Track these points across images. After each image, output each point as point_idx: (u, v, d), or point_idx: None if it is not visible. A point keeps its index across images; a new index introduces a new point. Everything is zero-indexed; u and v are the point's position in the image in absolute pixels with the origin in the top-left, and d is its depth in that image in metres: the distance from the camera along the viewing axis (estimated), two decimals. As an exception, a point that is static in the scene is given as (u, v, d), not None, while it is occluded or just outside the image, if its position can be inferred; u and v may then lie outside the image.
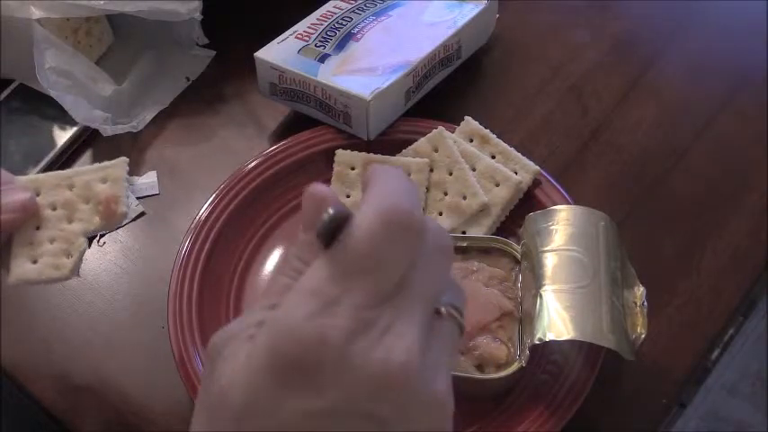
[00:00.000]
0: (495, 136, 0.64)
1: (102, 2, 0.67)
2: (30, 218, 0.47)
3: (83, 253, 0.48)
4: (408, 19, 0.70)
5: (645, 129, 0.70)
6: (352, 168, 0.63)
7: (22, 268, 0.46)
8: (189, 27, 0.71)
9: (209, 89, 0.73)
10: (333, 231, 0.30)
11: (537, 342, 0.49)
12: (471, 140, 0.64)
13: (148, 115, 0.70)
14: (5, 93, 0.71)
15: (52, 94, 0.65)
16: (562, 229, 0.54)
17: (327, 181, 0.62)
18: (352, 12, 0.70)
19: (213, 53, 0.74)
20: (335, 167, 0.63)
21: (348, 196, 0.62)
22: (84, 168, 0.50)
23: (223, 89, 0.74)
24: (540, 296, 0.51)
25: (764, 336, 1.35)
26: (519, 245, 0.56)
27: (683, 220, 0.64)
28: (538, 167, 0.62)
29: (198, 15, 0.70)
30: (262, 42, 0.68)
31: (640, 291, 0.53)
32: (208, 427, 0.31)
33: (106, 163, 0.50)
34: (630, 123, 0.70)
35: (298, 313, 0.29)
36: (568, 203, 0.60)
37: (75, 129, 0.69)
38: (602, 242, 0.53)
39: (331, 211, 0.30)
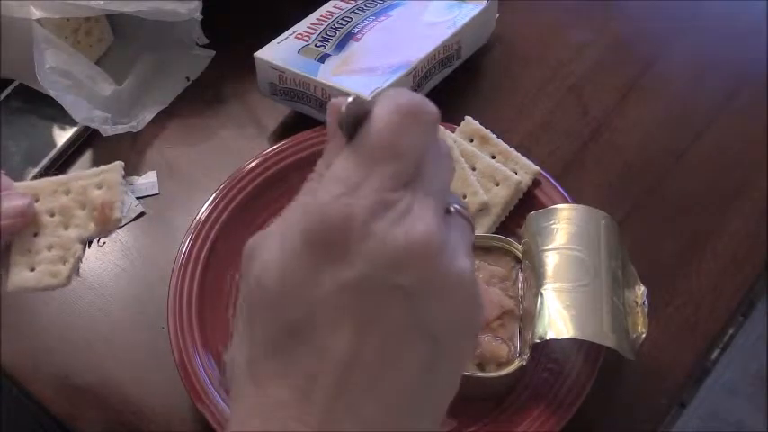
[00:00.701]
0: (495, 136, 0.64)
1: (102, 2, 0.67)
2: (28, 224, 0.47)
3: (78, 260, 0.48)
4: (408, 19, 0.70)
5: (645, 129, 0.70)
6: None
7: (20, 276, 0.47)
8: (189, 27, 0.71)
9: (209, 89, 0.73)
10: (354, 122, 0.32)
11: (537, 341, 0.49)
12: (471, 140, 0.64)
13: (148, 115, 0.70)
14: (5, 93, 0.71)
15: (52, 94, 0.65)
16: (563, 228, 0.54)
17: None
18: (352, 12, 0.70)
19: (213, 53, 0.74)
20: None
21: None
22: (81, 173, 0.50)
23: (223, 89, 0.74)
24: (541, 295, 0.51)
25: (764, 336, 1.35)
26: (520, 244, 0.57)
27: (683, 220, 0.64)
28: (538, 167, 0.62)
29: (198, 15, 0.70)
30: (262, 42, 0.68)
31: (641, 290, 0.53)
32: (248, 321, 0.32)
33: (102, 167, 0.50)
34: (630, 123, 0.70)
35: (325, 196, 0.30)
36: (568, 203, 0.60)
37: (74, 129, 0.69)
38: (603, 241, 0.53)
39: (350, 99, 0.32)
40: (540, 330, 0.50)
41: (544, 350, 0.53)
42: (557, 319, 0.50)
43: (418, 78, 0.67)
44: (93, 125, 0.67)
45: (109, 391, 0.56)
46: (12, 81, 0.72)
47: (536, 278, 0.52)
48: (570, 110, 0.71)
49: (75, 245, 0.48)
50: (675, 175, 0.67)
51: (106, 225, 0.48)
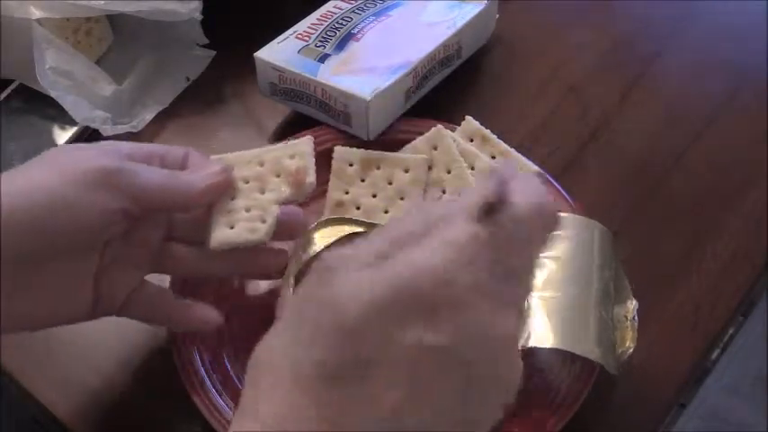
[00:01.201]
0: (495, 136, 0.64)
1: (102, 2, 0.67)
2: (226, 189, 0.50)
3: (275, 219, 0.51)
4: (408, 19, 0.70)
5: (645, 129, 0.70)
6: (351, 165, 0.63)
7: (222, 233, 0.50)
8: (189, 27, 0.71)
9: (209, 89, 0.73)
10: (490, 207, 0.34)
11: (519, 349, 0.49)
12: (471, 140, 0.64)
13: (148, 115, 0.70)
14: (5, 93, 0.71)
15: (52, 94, 0.65)
16: (556, 237, 0.53)
17: (327, 181, 0.62)
18: (352, 12, 0.70)
19: (213, 53, 0.74)
20: (334, 164, 0.63)
21: (346, 192, 0.62)
22: (273, 147, 0.54)
23: (223, 89, 0.74)
24: (528, 302, 0.50)
25: (764, 336, 1.35)
26: None
27: (682, 220, 0.64)
28: (538, 168, 0.62)
29: (198, 15, 0.70)
30: (262, 42, 0.68)
31: (633, 304, 0.53)
32: (311, 333, 0.32)
33: (293, 141, 0.54)
34: (630, 123, 0.70)
35: (436, 257, 0.31)
36: (568, 204, 0.60)
37: (75, 129, 0.69)
38: (596, 252, 0.52)
39: (492, 186, 0.34)
40: (523, 338, 0.49)
41: (539, 355, 0.53)
42: (540, 327, 0.49)
43: (418, 78, 0.67)
44: (93, 125, 0.67)
45: (109, 392, 0.56)
46: (12, 81, 0.72)
47: None
48: (570, 110, 0.72)
49: (272, 206, 0.51)
50: (675, 175, 0.67)
51: (300, 188, 0.51)
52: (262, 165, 0.52)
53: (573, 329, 0.49)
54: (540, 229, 0.35)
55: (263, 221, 0.50)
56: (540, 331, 0.49)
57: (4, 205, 0.40)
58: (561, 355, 0.51)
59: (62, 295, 0.45)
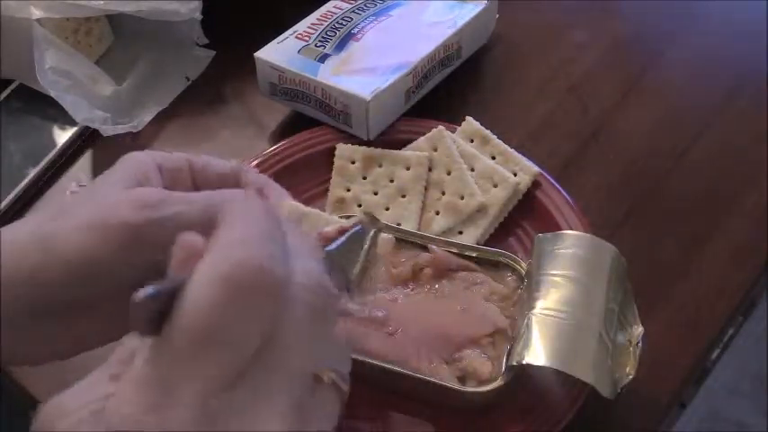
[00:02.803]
0: (495, 137, 0.64)
1: (102, 2, 0.67)
2: None
3: None
4: (408, 19, 0.70)
5: (645, 129, 0.70)
6: (353, 162, 0.63)
7: None
8: (189, 27, 0.71)
9: (209, 89, 0.73)
10: (158, 314, 0.25)
11: (514, 363, 0.48)
12: (472, 141, 0.64)
13: (148, 115, 0.70)
14: (5, 93, 0.71)
15: (52, 94, 0.65)
16: (567, 255, 0.52)
17: (327, 181, 0.62)
18: (352, 12, 0.70)
19: (213, 53, 0.74)
20: (336, 162, 0.63)
21: (348, 190, 0.62)
22: (328, 217, 0.52)
23: (223, 89, 0.74)
24: (528, 318, 0.50)
25: (764, 336, 1.36)
26: (527, 262, 0.55)
27: (683, 220, 0.64)
28: (538, 169, 0.62)
29: (198, 15, 0.70)
30: (262, 42, 0.68)
31: (638, 330, 0.51)
32: None
33: (345, 222, 0.51)
34: (630, 123, 0.70)
35: (129, 410, 0.24)
36: (568, 204, 0.60)
37: (75, 129, 0.69)
38: (605, 274, 0.51)
39: (150, 290, 0.25)
40: (518, 354, 0.49)
41: (535, 371, 0.51)
42: (537, 344, 0.48)
43: (418, 78, 0.67)
44: (93, 125, 0.67)
45: (109, 391, 0.56)
46: (12, 81, 0.72)
47: (529, 300, 0.51)
48: (570, 110, 0.71)
49: None
50: (675, 175, 0.67)
51: None
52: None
53: (571, 350, 0.48)
54: (244, 302, 0.24)
55: None
56: (537, 348, 0.48)
57: (34, 263, 0.38)
58: (556, 374, 0.50)
59: (99, 330, 0.44)
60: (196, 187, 0.45)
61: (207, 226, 0.36)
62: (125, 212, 0.38)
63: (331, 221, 0.52)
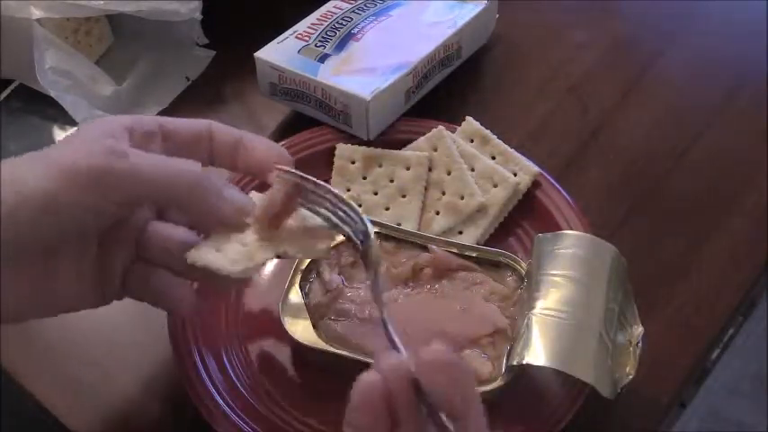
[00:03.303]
0: (495, 137, 0.64)
1: (102, 2, 0.67)
2: (239, 222, 0.47)
3: (262, 265, 0.47)
4: (408, 19, 0.70)
5: (645, 129, 0.70)
6: (353, 162, 0.63)
7: (204, 253, 0.46)
8: (189, 27, 0.71)
9: (209, 89, 0.73)
10: None
11: (514, 363, 0.48)
12: (472, 141, 0.64)
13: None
14: (5, 93, 0.71)
15: (52, 94, 0.65)
16: (567, 255, 0.52)
17: (327, 181, 0.62)
18: (352, 12, 0.70)
19: (213, 53, 0.74)
20: (336, 161, 0.63)
21: (348, 190, 0.62)
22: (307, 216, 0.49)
23: (223, 89, 0.74)
24: (528, 318, 0.50)
25: (764, 336, 1.36)
26: (527, 262, 0.55)
27: (683, 220, 0.64)
28: (538, 169, 0.62)
29: (198, 15, 0.70)
30: (262, 42, 0.68)
31: (638, 330, 0.52)
32: None
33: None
34: (630, 123, 0.70)
35: None
36: (568, 204, 0.60)
37: (75, 129, 0.69)
38: (605, 275, 0.51)
39: None
40: (518, 354, 0.49)
41: (535, 371, 0.51)
42: (537, 345, 0.48)
43: (418, 78, 0.67)
44: (93, 125, 0.67)
45: (109, 391, 0.56)
46: (12, 81, 0.72)
47: (529, 300, 0.51)
48: (570, 110, 0.72)
49: (268, 251, 0.47)
50: (675, 175, 0.67)
51: (307, 249, 0.49)
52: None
53: (571, 350, 0.48)
54: None
55: (251, 260, 0.46)
56: (537, 348, 0.48)
57: (8, 204, 0.41)
58: (557, 374, 0.50)
59: (72, 281, 0.46)
60: (167, 150, 0.47)
61: (166, 187, 0.44)
62: (93, 158, 0.42)
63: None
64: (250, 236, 0.47)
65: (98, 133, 0.44)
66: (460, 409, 0.37)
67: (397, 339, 0.41)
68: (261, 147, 0.50)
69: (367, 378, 0.37)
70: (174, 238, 0.49)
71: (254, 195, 0.49)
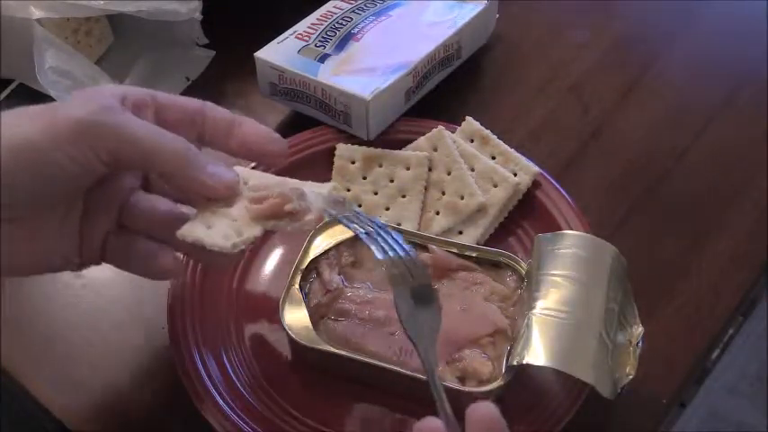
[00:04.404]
0: (495, 137, 0.64)
1: (102, 2, 0.67)
2: (226, 196, 0.48)
3: (253, 239, 0.48)
4: (408, 19, 0.70)
5: (645, 129, 0.70)
6: (353, 162, 0.63)
7: (195, 228, 0.46)
8: (189, 27, 0.71)
9: (209, 89, 0.73)
10: None
11: (515, 363, 0.48)
12: (472, 141, 0.64)
13: (148, 115, 0.70)
14: (5, 93, 0.71)
15: (52, 94, 0.65)
16: (567, 255, 0.52)
17: (327, 180, 0.62)
18: (352, 12, 0.70)
19: (213, 53, 0.74)
20: (336, 161, 0.63)
21: (348, 190, 0.62)
22: (295, 182, 0.51)
23: (223, 89, 0.74)
24: (529, 318, 0.50)
25: (764, 336, 1.36)
26: (527, 262, 0.55)
27: (683, 220, 0.64)
28: (538, 169, 0.62)
29: (198, 15, 0.70)
30: (262, 42, 0.68)
31: (638, 330, 0.52)
32: None
33: (316, 184, 0.51)
34: (630, 123, 0.70)
35: None
36: (568, 204, 0.60)
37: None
38: (605, 274, 0.51)
39: None
40: (518, 354, 0.49)
41: (535, 371, 0.51)
42: (537, 345, 0.48)
43: (418, 78, 0.67)
44: (93, 125, 0.67)
45: (109, 391, 0.56)
46: (12, 81, 0.72)
47: (529, 300, 0.51)
48: (570, 110, 0.72)
49: (257, 227, 0.48)
50: (675, 175, 0.67)
51: (295, 221, 0.49)
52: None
53: (571, 350, 0.48)
54: None
55: (240, 235, 0.47)
56: (537, 348, 0.48)
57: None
58: (557, 374, 0.50)
59: (55, 240, 0.46)
60: (158, 122, 0.47)
61: (152, 150, 0.44)
62: (76, 110, 0.43)
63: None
64: (237, 210, 0.48)
65: (90, 94, 0.45)
66: None
67: (447, 407, 0.42)
68: (254, 130, 0.50)
69: None
70: (159, 208, 0.49)
71: (239, 169, 0.50)
